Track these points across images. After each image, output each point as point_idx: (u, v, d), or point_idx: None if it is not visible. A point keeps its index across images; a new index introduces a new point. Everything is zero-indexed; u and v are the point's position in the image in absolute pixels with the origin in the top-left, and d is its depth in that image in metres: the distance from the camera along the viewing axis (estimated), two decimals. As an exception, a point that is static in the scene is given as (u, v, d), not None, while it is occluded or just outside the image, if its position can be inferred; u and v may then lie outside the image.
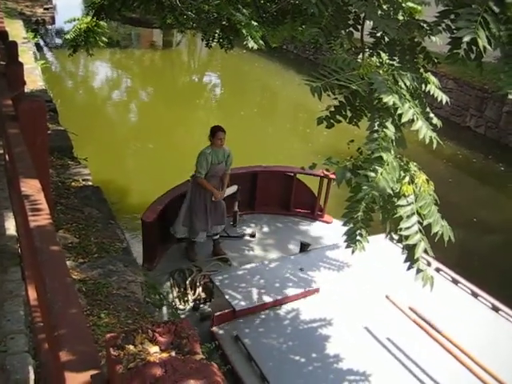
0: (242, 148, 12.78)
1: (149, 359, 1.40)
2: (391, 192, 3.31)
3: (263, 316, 5.11)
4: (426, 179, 3.60)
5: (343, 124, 4.31)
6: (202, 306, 5.83)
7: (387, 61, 4.28)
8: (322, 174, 7.31)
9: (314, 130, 13.86)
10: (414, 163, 3.71)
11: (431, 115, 4.46)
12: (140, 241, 8.23)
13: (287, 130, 15.25)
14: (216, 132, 6.41)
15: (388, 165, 3.32)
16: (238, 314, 5.07)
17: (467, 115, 14.78)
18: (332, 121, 4.00)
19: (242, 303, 5.15)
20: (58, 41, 22.69)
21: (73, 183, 6.53)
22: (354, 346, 4.88)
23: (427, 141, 3.38)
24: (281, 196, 8.08)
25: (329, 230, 7.69)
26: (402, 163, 3.61)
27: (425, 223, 3.45)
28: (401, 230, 3.44)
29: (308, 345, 4.87)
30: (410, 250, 3.42)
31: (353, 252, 3.65)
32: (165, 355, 1.42)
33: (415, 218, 3.43)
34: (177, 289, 6.15)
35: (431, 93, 4.37)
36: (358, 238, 3.62)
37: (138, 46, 24.74)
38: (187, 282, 6.18)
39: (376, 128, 3.39)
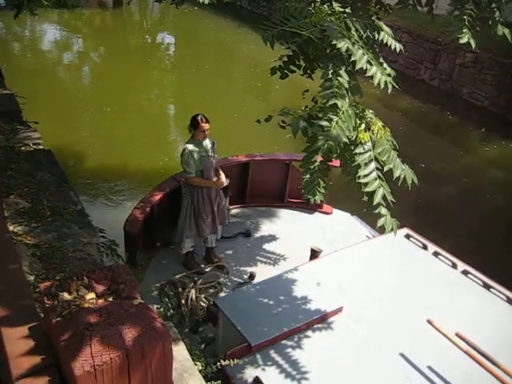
0: (195, 104, 12.63)
1: (84, 306, 1.35)
2: (347, 141, 3.28)
3: (282, 348, 4.23)
4: (383, 125, 3.58)
5: (297, 79, 4.24)
6: (200, 328, 5.23)
7: (339, 9, 4.20)
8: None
9: (267, 84, 13.77)
10: (370, 110, 3.68)
11: (385, 65, 4.42)
12: (97, 205, 8.05)
13: (240, 84, 15.06)
14: (198, 124, 5.56)
15: (343, 113, 3.28)
16: (255, 348, 4.20)
17: (421, 68, 14.86)
18: (286, 71, 3.92)
19: (258, 334, 4.23)
20: (1, 1, 21.65)
21: (23, 148, 6.27)
22: (390, 376, 4.06)
23: (382, 85, 3.34)
24: (274, 186, 7.41)
25: (329, 222, 7.15)
26: (358, 111, 3.57)
27: (385, 169, 3.45)
28: (359, 177, 3.43)
29: (338, 376, 4.06)
30: (370, 197, 3.42)
31: (308, 201, 3.64)
32: (101, 301, 1.37)
33: (373, 165, 3.42)
34: (170, 305, 5.39)
35: (384, 41, 4.31)
36: (316, 188, 3.61)
37: (87, 5, 23.82)
38: (182, 300, 5.47)
39: (330, 76, 3.33)
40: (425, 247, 5.36)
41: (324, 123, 3.16)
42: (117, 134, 11.10)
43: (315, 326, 4.40)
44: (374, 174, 3.41)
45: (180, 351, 3.66)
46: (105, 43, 18.98)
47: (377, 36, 4.21)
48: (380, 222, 3.62)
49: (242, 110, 12.28)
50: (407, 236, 5.52)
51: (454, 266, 5.11)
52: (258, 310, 4.46)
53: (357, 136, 3.45)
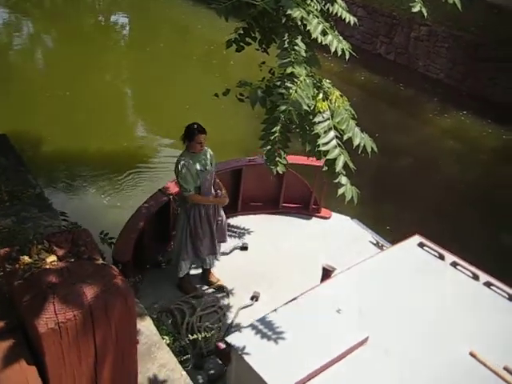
0: (152, 84, 12.49)
1: (45, 267, 1.35)
2: (307, 108, 3.30)
3: None
4: (340, 95, 3.61)
5: (252, 55, 4.22)
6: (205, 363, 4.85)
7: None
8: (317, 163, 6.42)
9: (222, 60, 13.71)
10: (328, 80, 3.71)
11: (341, 38, 4.44)
12: (57, 189, 7.89)
13: (195, 62, 14.90)
14: (194, 135, 5.09)
15: (301, 82, 3.30)
16: None
17: (377, 42, 14.99)
18: (241, 43, 3.91)
19: (280, 378, 3.63)
20: None
21: (-25, 133, 6.10)
22: None
23: (339, 52, 3.37)
24: (269, 191, 6.93)
25: (329, 228, 6.83)
26: (315, 81, 3.59)
27: (345, 138, 3.49)
28: (319, 146, 3.47)
29: None
30: (331, 165, 3.46)
31: (272, 173, 3.65)
32: (62, 264, 1.38)
33: (332, 133, 3.45)
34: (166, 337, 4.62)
35: (338, 14, 4.32)
36: (278, 159, 3.63)
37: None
38: (183, 331, 5.02)
39: (286, 45, 3.34)
40: (441, 257, 4.90)
41: (283, 91, 3.17)
42: (74, 117, 10.87)
43: (340, 362, 3.81)
44: (334, 142, 3.45)
45: (147, 326, 3.68)
46: (57, 25, 18.46)
47: (331, 9, 4.23)
48: (340, 191, 3.67)
49: (198, 87, 12.17)
50: (421, 245, 5.04)
51: (476, 277, 4.68)
52: (276, 347, 3.85)
53: (315, 106, 3.48)
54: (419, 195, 9.11)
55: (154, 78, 12.85)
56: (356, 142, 3.63)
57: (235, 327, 5.18)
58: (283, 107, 3.18)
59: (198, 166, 5.14)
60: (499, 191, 9.62)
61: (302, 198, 6.96)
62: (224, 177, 6.11)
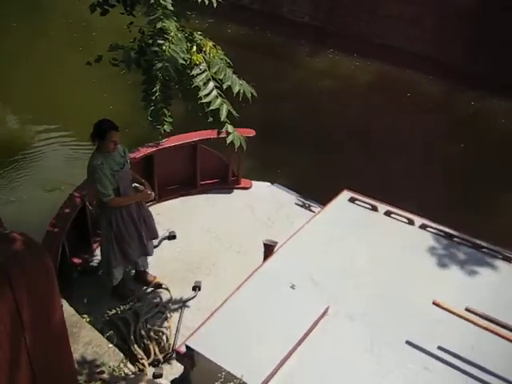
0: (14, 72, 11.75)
1: None
2: (183, 62, 3.32)
3: (287, 376, 3.47)
4: (213, 45, 3.65)
5: (116, 22, 4.10)
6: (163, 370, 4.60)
7: None
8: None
9: (83, 33, 13.14)
10: (199, 32, 3.72)
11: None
12: None
13: (53, 38, 14.10)
14: (106, 133, 4.58)
15: (173, 37, 3.30)
16: None
17: (241, -6, 14.98)
18: (105, 7, 3.83)
19: (255, 372, 3.42)
20: None
21: None
22: (404, 367, 3.53)
23: (207, 2, 3.39)
24: (184, 173, 6.61)
25: (253, 197, 6.63)
26: (187, 34, 3.60)
27: (224, 86, 3.56)
28: (200, 98, 3.51)
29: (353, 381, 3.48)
30: (215, 116, 3.52)
31: (160, 135, 3.66)
32: None
33: (212, 84, 3.51)
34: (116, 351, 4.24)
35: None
36: (163, 118, 3.63)
37: None
38: (131, 341, 4.66)
39: (152, 1, 3.30)
40: (374, 208, 4.86)
41: (157, 48, 3.16)
42: None
43: (307, 340, 3.64)
44: (215, 93, 3.51)
45: (64, 308, 3.62)
46: None
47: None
48: (228, 140, 3.77)
49: (62, 63, 11.57)
50: (352, 200, 4.95)
51: (411, 222, 4.71)
52: (240, 340, 3.64)
53: (191, 59, 3.50)
54: (309, 137, 9.37)
55: (14, 65, 12.03)
56: (235, 89, 3.71)
57: (185, 324, 4.95)
58: (159, 64, 3.18)
59: (113, 167, 4.69)
60: (376, 120, 10.16)
61: (219, 173, 6.74)
62: (135, 167, 5.65)
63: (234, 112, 3.58)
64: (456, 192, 8.26)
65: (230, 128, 3.63)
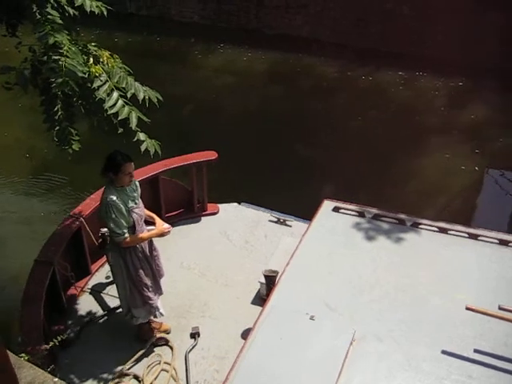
0: None
1: None
2: (83, 75, 3.21)
3: None
4: (110, 54, 3.57)
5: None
6: None
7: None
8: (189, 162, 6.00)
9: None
10: (93, 43, 3.62)
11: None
12: None
13: None
14: (120, 166, 4.14)
15: (67, 51, 3.19)
16: None
17: (126, 2, 14.69)
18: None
19: None
20: None
21: None
22: (444, 378, 3.29)
23: (96, 11, 3.31)
24: (147, 207, 5.44)
25: (224, 222, 6.30)
26: (81, 47, 3.49)
27: (129, 94, 3.49)
28: (107, 111, 3.42)
29: None
30: (125, 125, 3.45)
31: (69, 155, 3.55)
32: None
33: (116, 94, 3.43)
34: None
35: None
36: (70, 137, 3.52)
37: None
38: None
39: (38, 17, 3.17)
40: (361, 214, 4.72)
41: (53, 65, 3.04)
42: None
43: (345, 370, 3.36)
44: (121, 102, 3.44)
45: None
46: None
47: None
48: (143, 148, 3.70)
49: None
50: (336, 209, 4.79)
51: (402, 222, 4.60)
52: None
53: (89, 71, 3.39)
54: (207, 134, 9.34)
55: None
56: (140, 96, 3.66)
57: (195, 379, 4.59)
58: (59, 80, 3.06)
59: (129, 203, 4.29)
60: (278, 107, 10.32)
61: (184, 202, 6.40)
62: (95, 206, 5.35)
63: (144, 118, 3.51)
64: (366, 165, 8.58)
65: (141, 136, 3.57)
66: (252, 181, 7.78)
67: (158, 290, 4.73)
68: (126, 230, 4.26)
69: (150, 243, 4.61)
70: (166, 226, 4.61)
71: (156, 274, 4.68)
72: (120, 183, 4.23)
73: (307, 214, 6.30)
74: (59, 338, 4.39)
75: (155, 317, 4.80)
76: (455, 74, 10.60)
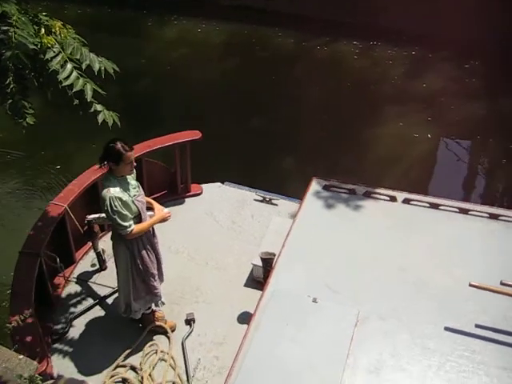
0: None
1: None
2: (34, 47, 3.12)
3: None
4: (62, 24, 3.47)
5: None
6: None
7: None
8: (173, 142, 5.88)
9: None
10: (44, 13, 3.50)
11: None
12: None
13: None
14: (122, 154, 3.93)
15: (17, 21, 3.09)
16: None
17: (74, -28, 14.20)
18: None
19: None
20: None
21: None
22: (454, 355, 3.31)
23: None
24: None
25: (208, 203, 6.19)
26: (31, 17, 3.38)
27: (83, 66, 3.42)
28: (61, 83, 3.34)
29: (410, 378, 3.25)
30: (81, 97, 3.38)
31: (23, 128, 3.45)
32: None
33: (70, 65, 3.35)
34: None
35: None
36: (24, 110, 3.43)
37: None
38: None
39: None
40: (352, 191, 4.67)
41: (2, 36, 2.94)
42: None
43: (352, 351, 3.33)
44: (75, 74, 3.37)
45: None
46: None
47: None
48: (100, 119, 3.63)
49: None
50: (326, 188, 4.72)
51: (393, 198, 4.56)
52: (288, 376, 3.20)
53: (41, 42, 3.30)
54: (173, 107, 9.27)
55: None
56: (96, 67, 3.58)
57: (194, 366, 4.52)
58: (9, 53, 2.97)
59: (131, 192, 4.11)
60: (231, 79, 10.27)
61: (167, 183, 6.27)
62: (81, 198, 5.27)
63: (100, 90, 3.45)
64: (324, 136, 8.66)
65: (98, 107, 3.50)
66: (214, 158, 7.72)
67: (161, 277, 4.63)
68: (131, 222, 4.09)
69: (152, 230, 4.47)
70: (166, 210, 4.47)
71: (160, 261, 4.57)
72: (121, 173, 4.06)
73: (276, 187, 6.31)
74: (50, 332, 4.35)
75: (156, 305, 4.70)
76: (408, 43, 10.74)
